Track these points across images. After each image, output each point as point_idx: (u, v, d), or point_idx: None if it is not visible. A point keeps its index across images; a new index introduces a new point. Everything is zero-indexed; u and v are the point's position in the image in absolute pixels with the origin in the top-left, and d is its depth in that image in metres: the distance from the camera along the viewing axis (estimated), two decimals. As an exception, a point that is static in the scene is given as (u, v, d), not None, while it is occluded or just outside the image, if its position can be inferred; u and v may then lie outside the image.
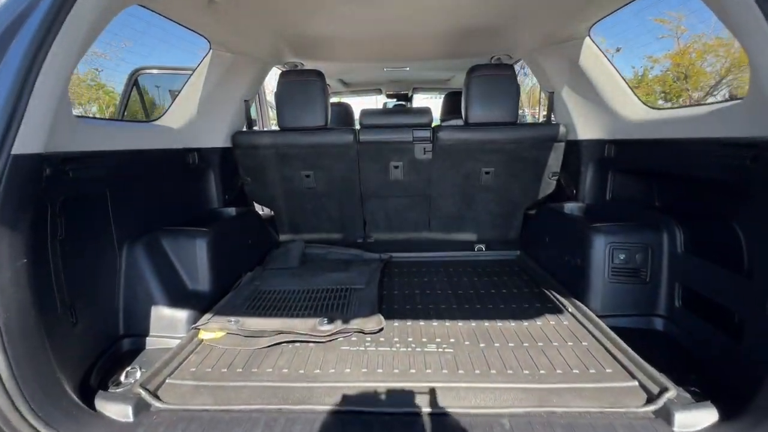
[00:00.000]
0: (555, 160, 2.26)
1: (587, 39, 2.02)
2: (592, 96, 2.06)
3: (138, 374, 1.28)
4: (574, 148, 2.19)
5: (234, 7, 1.69)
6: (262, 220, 2.47)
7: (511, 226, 2.52)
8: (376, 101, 5.72)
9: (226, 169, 2.30)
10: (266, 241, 2.43)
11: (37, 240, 1.03)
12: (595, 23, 1.93)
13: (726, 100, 1.70)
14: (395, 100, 5.11)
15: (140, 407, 1.10)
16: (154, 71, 3.11)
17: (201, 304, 1.64)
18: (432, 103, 6.88)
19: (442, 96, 5.23)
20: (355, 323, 1.54)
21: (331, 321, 1.56)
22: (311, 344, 1.45)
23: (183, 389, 1.22)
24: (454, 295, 1.86)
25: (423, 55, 2.94)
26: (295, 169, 2.33)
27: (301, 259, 2.35)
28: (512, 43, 2.49)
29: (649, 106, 1.86)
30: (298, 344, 1.46)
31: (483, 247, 2.48)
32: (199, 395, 1.19)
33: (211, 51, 2.08)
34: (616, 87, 1.99)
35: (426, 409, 1.10)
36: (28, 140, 0.93)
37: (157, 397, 1.16)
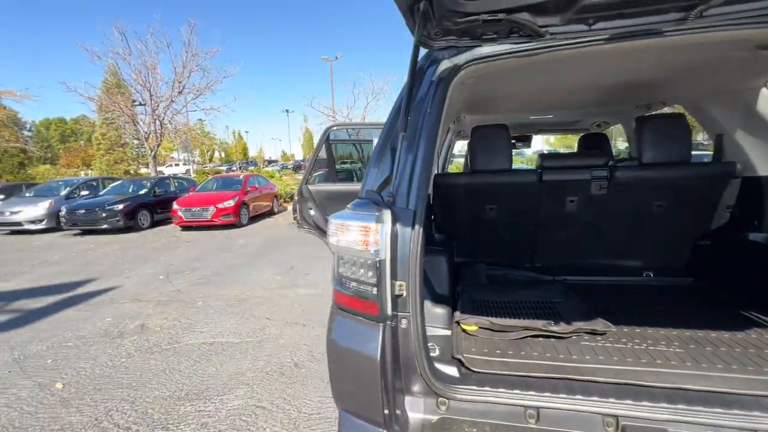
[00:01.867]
0: (730, 194, 2.46)
1: (764, 89, 2.27)
2: None
3: (437, 350, 1.78)
4: (753, 183, 2.39)
5: None
6: (454, 245, 3.00)
7: (680, 255, 2.71)
8: None
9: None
10: (456, 262, 2.94)
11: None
12: (775, 75, 2.18)
13: None
14: (516, 141, 5.53)
15: (460, 369, 1.58)
16: (343, 128, 4.00)
17: (447, 305, 2.14)
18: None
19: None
20: (585, 325, 1.90)
21: (557, 323, 1.95)
22: (552, 339, 1.85)
23: (479, 361, 1.68)
24: (647, 310, 2.12)
25: (574, 105, 3.35)
26: (482, 204, 2.83)
27: (487, 279, 2.80)
28: (675, 93, 2.80)
29: None
30: (540, 339, 1.86)
31: (651, 273, 2.71)
32: (493, 366, 1.64)
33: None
34: None
35: (689, 387, 1.41)
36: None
37: (465, 364, 1.63)
